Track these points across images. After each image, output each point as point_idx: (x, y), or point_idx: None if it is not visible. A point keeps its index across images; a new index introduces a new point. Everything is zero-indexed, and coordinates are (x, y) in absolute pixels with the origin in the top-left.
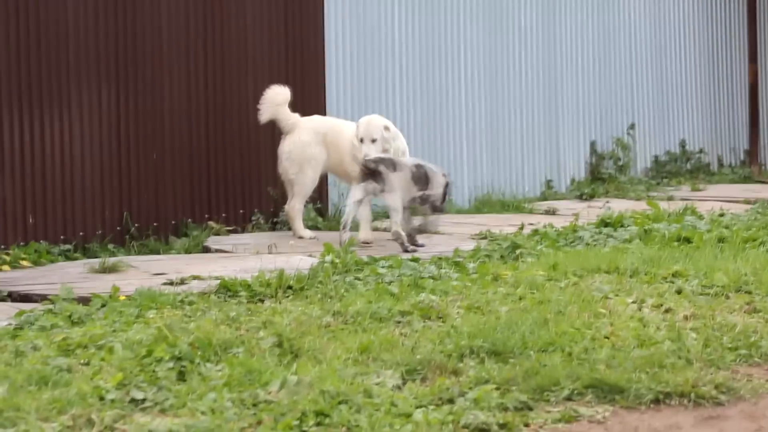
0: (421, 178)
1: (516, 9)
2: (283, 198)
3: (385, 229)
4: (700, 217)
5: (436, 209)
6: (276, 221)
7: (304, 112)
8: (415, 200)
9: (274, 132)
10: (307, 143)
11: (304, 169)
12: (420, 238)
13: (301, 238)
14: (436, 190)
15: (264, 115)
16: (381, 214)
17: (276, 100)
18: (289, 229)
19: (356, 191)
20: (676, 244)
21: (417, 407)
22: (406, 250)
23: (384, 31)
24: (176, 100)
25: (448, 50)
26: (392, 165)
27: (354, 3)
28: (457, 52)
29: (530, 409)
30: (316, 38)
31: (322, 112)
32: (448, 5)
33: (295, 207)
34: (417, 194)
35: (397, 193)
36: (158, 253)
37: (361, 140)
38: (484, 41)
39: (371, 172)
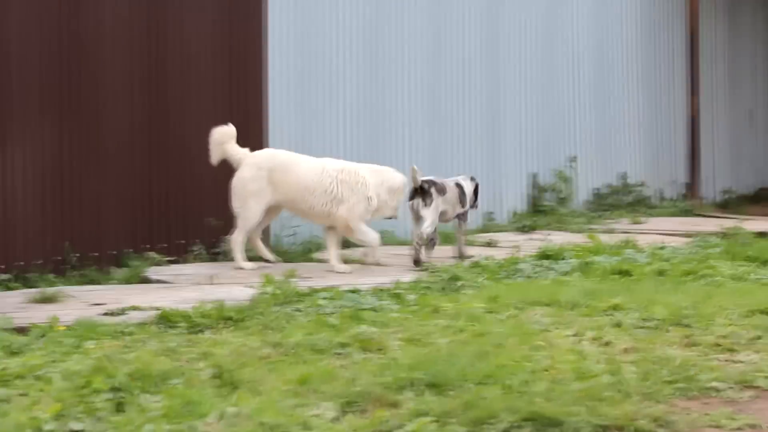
0: (461, 195)
1: (458, 41)
2: (222, 229)
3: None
4: (640, 251)
5: (473, 206)
6: (217, 252)
7: (245, 139)
8: (459, 216)
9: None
10: (249, 179)
11: (247, 203)
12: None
13: (241, 269)
14: (469, 203)
15: (214, 156)
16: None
17: (222, 140)
18: (230, 259)
19: (410, 212)
20: (615, 277)
21: None
22: (417, 261)
23: (326, 62)
24: (117, 131)
25: (390, 81)
26: (441, 188)
27: (296, 32)
28: (399, 83)
29: None
30: (256, 70)
31: (262, 142)
32: (391, 36)
33: (237, 239)
34: (460, 211)
35: (433, 210)
36: (98, 283)
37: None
38: (426, 72)
39: (420, 190)
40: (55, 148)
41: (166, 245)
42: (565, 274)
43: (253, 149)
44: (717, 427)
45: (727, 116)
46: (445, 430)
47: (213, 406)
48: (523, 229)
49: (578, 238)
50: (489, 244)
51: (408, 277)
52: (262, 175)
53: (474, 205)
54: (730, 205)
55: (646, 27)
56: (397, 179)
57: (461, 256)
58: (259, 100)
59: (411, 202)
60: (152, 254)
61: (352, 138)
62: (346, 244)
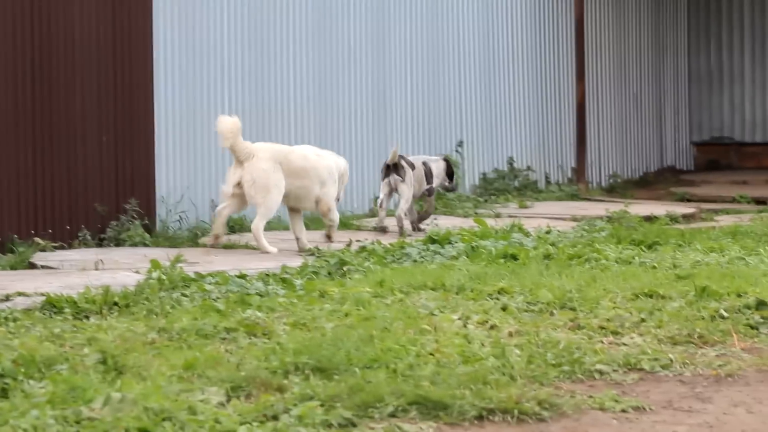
0: (428, 173)
1: (345, 28)
2: (109, 215)
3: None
4: (527, 235)
5: (448, 189)
6: (103, 237)
7: (130, 122)
8: (424, 193)
9: (101, 148)
10: (271, 170)
11: (271, 193)
12: (422, 225)
13: (267, 253)
14: (436, 180)
15: (225, 144)
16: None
17: (233, 130)
18: (117, 245)
19: (384, 186)
20: (502, 261)
21: (241, 424)
22: (402, 234)
23: (213, 48)
24: (2, 113)
25: (277, 67)
26: (410, 163)
27: (184, 26)
28: (287, 69)
29: (354, 425)
30: (145, 53)
31: (148, 124)
32: (278, 24)
33: (260, 227)
34: (426, 187)
35: (409, 185)
36: None
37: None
38: (314, 59)
39: (394, 167)
40: None
41: (51, 231)
42: (452, 258)
43: (139, 133)
44: (602, 409)
45: (614, 102)
46: (331, 414)
47: (98, 391)
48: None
49: (465, 223)
50: (376, 229)
51: (295, 261)
52: (278, 166)
53: (451, 185)
54: (617, 189)
55: (533, 14)
56: (344, 162)
57: (418, 230)
58: (145, 83)
59: (387, 179)
60: (38, 240)
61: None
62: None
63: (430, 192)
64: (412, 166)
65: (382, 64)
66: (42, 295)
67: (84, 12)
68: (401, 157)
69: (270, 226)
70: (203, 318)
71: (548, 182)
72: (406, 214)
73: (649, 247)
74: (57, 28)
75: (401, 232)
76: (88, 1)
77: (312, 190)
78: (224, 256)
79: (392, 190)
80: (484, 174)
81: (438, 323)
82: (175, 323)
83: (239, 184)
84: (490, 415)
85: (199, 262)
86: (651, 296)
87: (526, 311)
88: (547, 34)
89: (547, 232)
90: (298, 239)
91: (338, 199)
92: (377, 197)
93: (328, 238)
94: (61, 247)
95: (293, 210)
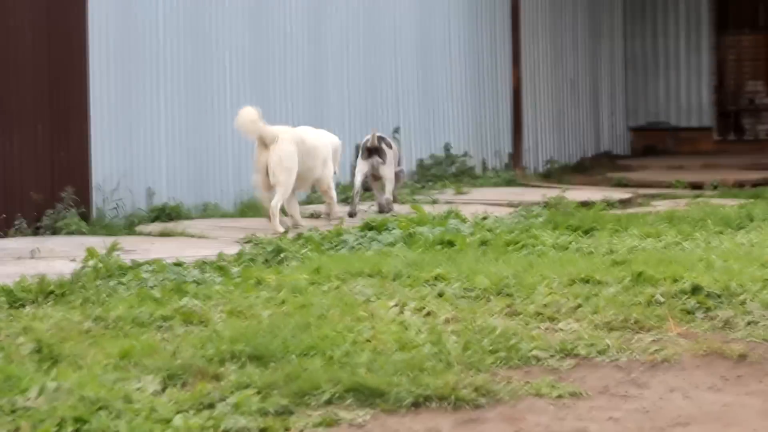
0: (398, 154)
1: (280, 13)
2: (45, 203)
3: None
4: (464, 221)
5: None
6: (39, 226)
7: (67, 110)
8: (397, 174)
9: (36, 137)
10: (293, 152)
11: (291, 174)
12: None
13: (277, 233)
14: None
15: (250, 133)
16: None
17: (252, 118)
18: (53, 233)
19: (363, 166)
20: (439, 247)
21: (177, 412)
22: (389, 212)
23: (148, 35)
24: None
25: (212, 54)
26: (389, 143)
27: (119, 12)
28: (221, 56)
29: (291, 413)
30: (79, 41)
31: (86, 112)
32: (212, 12)
33: (278, 206)
34: (398, 168)
35: (392, 167)
36: None
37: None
38: (249, 45)
39: (375, 149)
40: None
41: None
42: (389, 245)
43: (74, 121)
44: (538, 395)
45: (550, 87)
46: (268, 402)
47: (33, 380)
48: (348, 201)
49: (402, 209)
50: (313, 216)
51: (232, 249)
52: (296, 149)
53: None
54: (553, 174)
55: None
56: (338, 140)
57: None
58: (80, 71)
59: (369, 161)
60: None
61: (176, 112)
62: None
63: (397, 177)
64: (390, 146)
65: (317, 49)
66: None
67: (20, 29)
68: (380, 138)
69: (206, 214)
70: (139, 306)
71: (485, 168)
72: (395, 198)
73: (586, 232)
74: None
75: (388, 212)
76: (23, 19)
77: (316, 170)
78: (161, 243)
79: (372, 174)
80: (421, 160)
81: (375, 310)
82: (111, 312)
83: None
84: (426, 401)
85: (135, 249)
86: (587, 282)
87: (462, 298)
88: (483, 19)
89: (484, 219)
90: (292, 216)
91: (335, 173)
92: (353, 183)
93: (328, 215)
94: None
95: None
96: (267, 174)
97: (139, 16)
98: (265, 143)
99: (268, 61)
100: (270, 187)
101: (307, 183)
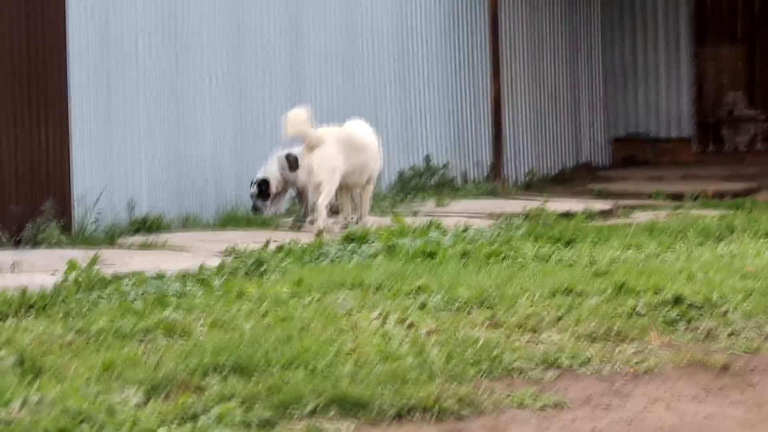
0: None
1: (258, 25)
2: (24, 216)
3: None
4: (445, 233)
5: None
6: (19, 239)
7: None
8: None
9: (16, 146)
10: (337, 153)
11: (335, 174)
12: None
13: (321, 232)
14: None
15: (290, 133)
16: None
17: (300, 118)
18: (34, 246)
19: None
20: (420, 259)
21: (160, 424)
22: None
23: (128, 45)
24: None
25: (191, 64)
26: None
27: (98, 21)
28: (200, 66)
29: (274, 425)
30: (59, 51)
31: (66, 124)
32: (191, 20)
33: (324, 205)
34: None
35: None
36: None
37: None
38: (230, 60)
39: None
40: None
41: None
42: (370, 257)
43: (54, 133)
44: (521, 406)
45: (530, 98)
46: (251, 414)
47: (16, 393)
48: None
49: (383, 221)
50: (294, 228)
51: (213, 261)
52: (341, 148)
53: None
54: (534, 185)
55: (448, 11)
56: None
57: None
58: (60, 83)
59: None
60: None
61: (155, 123)
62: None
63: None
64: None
65: (297, 61)
66: None
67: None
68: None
69: (188, 226)
70: (121, 319)
71: (465, 180)
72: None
73: (567, 244)
74: None
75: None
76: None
77: (369, 165)
78: (142, 256)
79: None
80: (400, 172)
81: (356, 322)
82: (93, 324)
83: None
84: (409, 413)
85: (116, 262)
86: (569, 293)
87: (444, 309)
88: (462, 30)
89: (465, 230)
90: (360, 214)
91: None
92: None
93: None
94: None
95: (348, 188)
96: (310, 174)
97: (119, 22)
98: (311, 145)
99: (248, 72)
100: (317, 187)
101: (363, 178)
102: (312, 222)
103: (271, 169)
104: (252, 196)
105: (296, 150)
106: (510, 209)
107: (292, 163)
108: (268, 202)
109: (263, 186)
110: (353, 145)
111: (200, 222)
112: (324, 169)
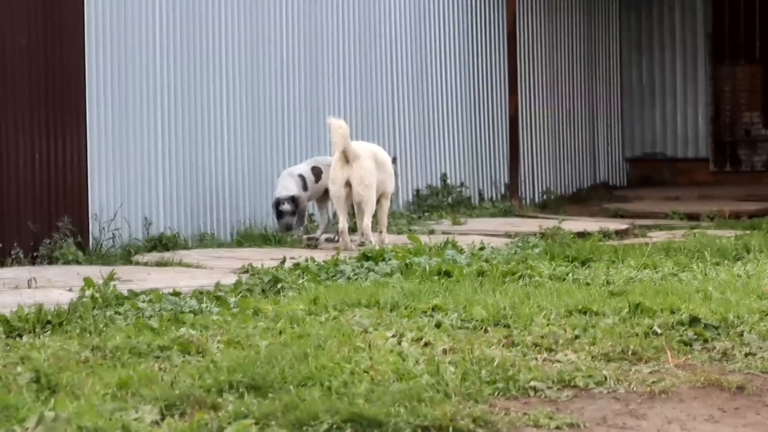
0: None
1: (278, 45)
2: (42, 233)
3: None
4: (461, 251)
5: None
6: (36, 255)
7: (64, 127)
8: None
9: (33, 164)
10: (374, 169)
11: (372, 190)
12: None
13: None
14: None
15: (338, 147)
16: None
17: (344, 132)
18: (50, 263)
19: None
20: (436, 277)
21: None
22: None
23: (145, 66)
24: None
25: (209, 83)
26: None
27: (116, 37)
28: (219, 83)
29: None
30: (77, 67)
31: (83, 142)
32: (209, 36)
33: (369, 223)
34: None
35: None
36: None
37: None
38: (248, 75)
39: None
40: None
41: None
42: (386, 275)
43: (71, 151)
44: (537, 426)
45: (547, 117)
46: None
47: (31, 410)
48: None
49: (399, 239)
50: (310, 246)
51: (229, 279)
52: (374, 165)
53: None
54: (550, 205)
55: (465, 28)
56: None
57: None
58: (77, 102)
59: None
60: None
61: (173, 143)
62: None
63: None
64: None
65: (315, 79)
66: None
67: (15, 25)
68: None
69: (203, 244)
70: (137, 336)
71: (482, 198)
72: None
73: (583, 263)
74: None
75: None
76: (18, 16)
77: (386, 182)
78: (158, 273)
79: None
80: (417, 190)
81: (372, 341)
82: (109, 341)
83: (348, 183)
84: None
85: (132, 279)
86: (585, 313)
87: (460, 328)
88: (480, 48)
89: (481, 249)
90: (381, 231)
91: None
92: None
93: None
94: None
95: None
96: (344, 186)
97: (137, 38)
98: (347, 158)
99: (265, 89)
100: (347, 199)
101: (378, 195)
102: (329, 240)
103: (292, 187)
104: (284, 213)
105: (311, 166)
106: (526, 228)
107: (317, 176)
108: (296, 219)
109: (295, 203)
110: (377, 162)
111: (216, 240)
112: (365, 186)
